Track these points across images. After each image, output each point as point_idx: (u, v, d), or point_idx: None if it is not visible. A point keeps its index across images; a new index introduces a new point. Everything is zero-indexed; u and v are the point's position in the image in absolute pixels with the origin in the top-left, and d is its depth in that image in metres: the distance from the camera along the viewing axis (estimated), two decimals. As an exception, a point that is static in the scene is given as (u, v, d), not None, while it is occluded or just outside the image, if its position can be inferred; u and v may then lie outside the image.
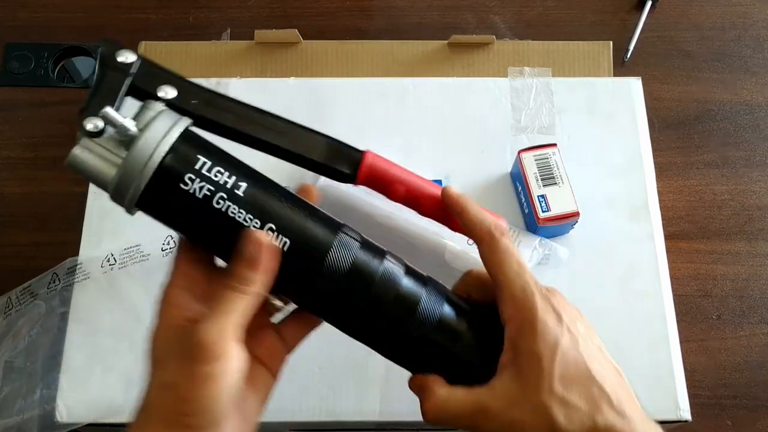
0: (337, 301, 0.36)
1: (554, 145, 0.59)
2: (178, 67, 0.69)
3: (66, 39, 0.77)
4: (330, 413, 0.54)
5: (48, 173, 0.72)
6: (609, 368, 0.37)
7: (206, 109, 0.37)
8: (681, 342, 0.56)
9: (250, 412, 0.36)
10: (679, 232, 0.70)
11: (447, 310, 0.38)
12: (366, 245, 0.37)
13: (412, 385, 0.39)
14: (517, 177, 0.60)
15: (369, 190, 0.59)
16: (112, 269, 0.57)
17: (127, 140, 0.34)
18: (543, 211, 0.56)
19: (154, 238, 0.58)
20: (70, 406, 0.53)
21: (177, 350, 0.32)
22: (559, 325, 0.35)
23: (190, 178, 0.33)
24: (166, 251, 0.57)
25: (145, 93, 0.37)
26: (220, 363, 0.31)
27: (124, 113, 0.35)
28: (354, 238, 0.37)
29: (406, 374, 0.40)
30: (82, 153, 0.34)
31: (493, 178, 0.62)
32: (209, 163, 0.34)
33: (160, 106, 0.35)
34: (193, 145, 0.35)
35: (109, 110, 0.33)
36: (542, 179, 0.58)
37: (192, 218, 0.34)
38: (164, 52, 0.70)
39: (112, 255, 0.57)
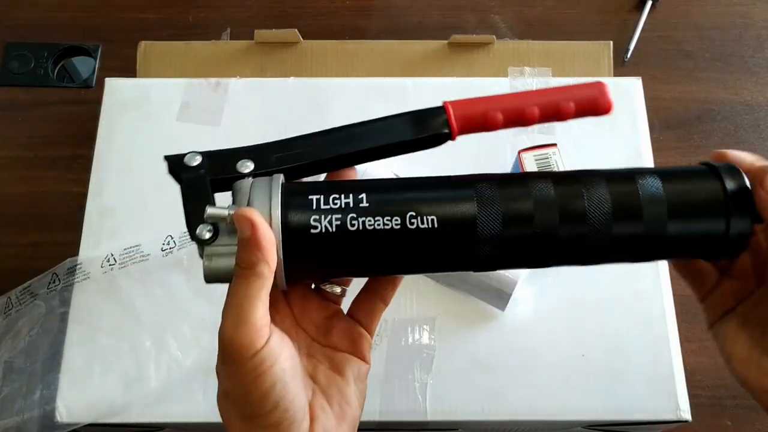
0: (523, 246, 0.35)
1: (554, 145, 0.59)
2: (178, 67, 0.70)
3: (66, 39, 0.78)
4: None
5: (48, 173, 0.72)
6: None
7: (288, 158, 0.37)
8: (681, 342, 0.56)
9: (344, 400, 0.36)
10: (680, 232, 0.70)
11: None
12: (505, 183, 0.35)
13: None
14: (518, 177, 0.60)
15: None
16: (112, 269, 0.57)
17: None
18: (543, 211, 0.56)
19: (154, 239, 0.58)
20: (69, 406, 0.53)
21: (220, 357, 0.33)
22: None
23: (315, 220, 0.33)
24: (166, 251, 0.57)
25: (226, 180, 0.36)
26: (252, 357, 0.31)
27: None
28: (490, 186, 0.35)
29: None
30: (212, 262, 0.33)
31: (493, 178, 0.62)
32: (322, 197, 0.34)
33: (248, 180, 0.35)
34: (298, 191, 0.34)
35: (210, 209, 0.33)
36: (542, 179, 0.58)
37: (344, 253, 0.33)
38: (164, 52, 0.70)
39: (112, 255, 0.57)
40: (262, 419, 0.31)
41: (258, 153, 0.37)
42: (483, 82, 0.66)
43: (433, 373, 0.54)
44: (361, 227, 0.33)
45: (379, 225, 0.33)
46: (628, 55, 0.78)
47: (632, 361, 0.56)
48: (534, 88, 0.65)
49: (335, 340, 0.37)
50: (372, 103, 0.65)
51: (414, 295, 0.57)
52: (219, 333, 0.31)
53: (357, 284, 0.39)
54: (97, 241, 0.59)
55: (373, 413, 0.54)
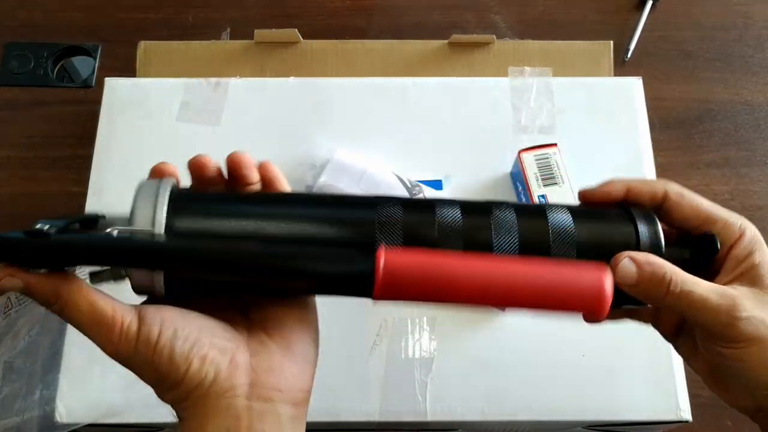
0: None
1: (554, 144, 0.59)
2: (178, 67, 0.70)
3: (66, 39, 0.78)
4: (330, 413, 0.54)
5: (48, 173, 0.72)
6: None
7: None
8: (681, 342, 0.56)
9: (287, 331, 0.34)
10: (680, 232, 0.70)
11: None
12: (410, 206, 0.33)
13: (635, 258, 0.33)
14: (518, 177, 0.60)
15: (368, 189, 0.59)
16: (111, 269, 0.57)
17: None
18: (543, 211, 0.56)
19: (153, 239, 0.58)
20: (69, 406, 0.53)
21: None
22: None
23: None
24: (166, 251, 0.57)
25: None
26: (128, 344, 0.32)
27: None
28: (393, 211, 0.32)
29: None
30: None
31: (494, 178, 0.62)
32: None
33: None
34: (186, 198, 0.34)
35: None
36: (542, 179, 0.58)
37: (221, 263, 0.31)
38: (164, 52, 0.70)
39: (112, 255, 0.57)
40: (184, 385, 0.31)
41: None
42: (483, 82, 0.66)
43: (433, 373, 0.54)
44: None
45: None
46: (629, 55, 0.78)
47: (632, 361, 0.55)
48: (534, 88, 0.65)
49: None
50: (372, 103, 0.65)
51: (414, 295, 0.57)
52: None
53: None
54: (96, 241, 0.59)
55: (373, 413, 0.54)
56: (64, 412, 0.53)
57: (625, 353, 0.56)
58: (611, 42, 0.71)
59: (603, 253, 0.33)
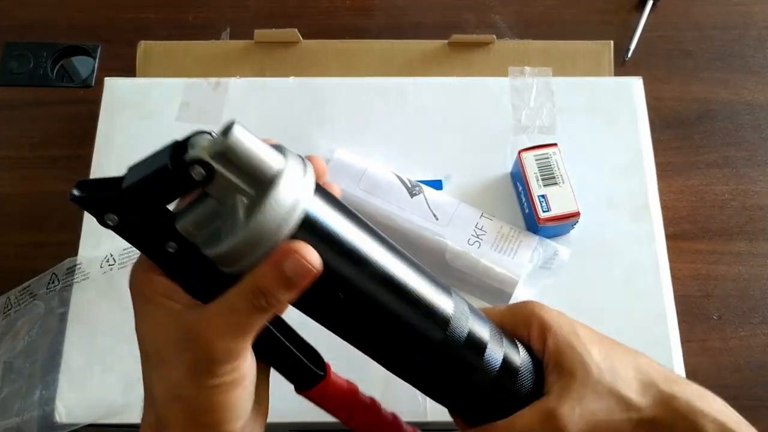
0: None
1: (555, 144, 0.59)
2: (177, 67, 0.69)
3: (65, 39, 0.78)
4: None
5: (48, 173, 0.72)
6: (632, 350, 0.41)
7: None
8: (682, 342, 0.56)
9: (263, 398, 0.35)
10: (680, 233, 0.70)
11: (507, 349, 0.37)
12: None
13: None
14: (518, 177, 0.60)
15: (368, 189, 0.59)
16: (111, 269, 0.57)
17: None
18: (543, 211, 0.56)
19: (153, 239, 0.58)
20: (69, 406, 0.53)
21: (181, 351, 0.30)
22: (585, 328, 0.40)
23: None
24: (166, 251, 0.57)
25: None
26: (236, 375, 0.30)
27: None
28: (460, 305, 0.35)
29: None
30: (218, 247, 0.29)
31: (494, 178, 0.62)
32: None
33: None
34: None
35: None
36: (543, 179, 0.58)
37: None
38: (164, 52, 0.70)
39: (112, 255, 0.57)
40: (216, 427, 0.30)
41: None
42: (483, 82, 0.66)
43: (434, 374, 0.54)
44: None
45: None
46: (629, 55, 0.78)
47: (633, 362, 0.55)
48: (534, 88, 0.65)
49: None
50: (372, 102, 0.65)
51: (414, 296, 0.57)
52: (206, 337, 0.29)
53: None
54: (96, 241, 0.59)
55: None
56: (63, 412, 0.53)
57: (625, 353, 0.56)
58: (611, 42, 0.71)
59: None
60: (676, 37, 0.80)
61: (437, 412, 0.54)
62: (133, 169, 0.31)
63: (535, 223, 0.57)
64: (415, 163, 0.62)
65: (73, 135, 0.73)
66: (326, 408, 0.38)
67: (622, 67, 0.77)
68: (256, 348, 0.32)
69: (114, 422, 0.53)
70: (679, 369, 0.55)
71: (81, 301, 0.56)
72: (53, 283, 0.58)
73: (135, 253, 0.57)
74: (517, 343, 0.39)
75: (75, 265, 0.57)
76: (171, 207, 0.32)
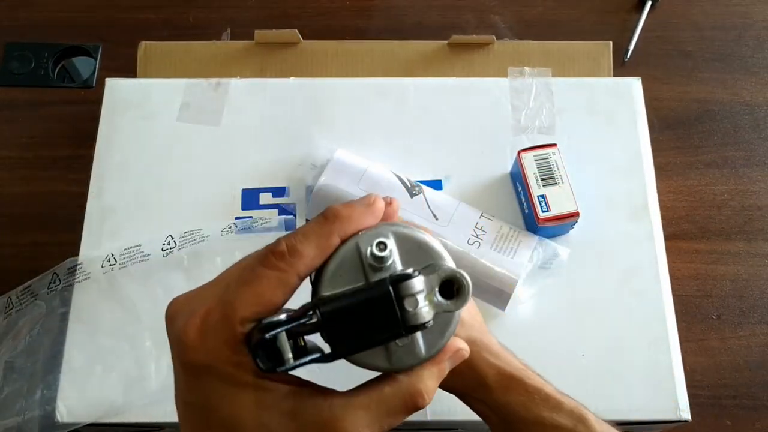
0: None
1: (554, 145, 0.59)
2: (178, 68, 0.70)
3: (66, 39, 0.78)
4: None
5: (48, 173, 0.72)
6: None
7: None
8: (681, 342, 0.56)
9: None
10: (679, 232, 0.70)
11: None
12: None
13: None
14: (517, 177, 0.60)
15: (368, 189, 0.59)
16: (112, 269, 0.57)
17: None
18: (543, 211, 0.56)
19: (154, 239, 0.58)
20: (70, 406, 0.53)
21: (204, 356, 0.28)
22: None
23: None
24: (167, 251, 0.57)
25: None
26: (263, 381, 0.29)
27: None
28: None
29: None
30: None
31: (493, 178, 0.62)
32: None
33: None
34: None
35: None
36: (542, 179, 0.58)
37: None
38: (164, 52, 0.70)
39: (113, 255, 0.57)
40: None
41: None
42: (483, 83, 0.66)
43: (433, 373, 0.54)
44: None
45: None
46: (628, 55, 0.78)
47: (632, 361, 0.56)
48: (534, 88, 0.65)
49: None
50: (372, 103, 0.65)
51: (414, 295, 0.57)
52: (326, 425, 0.28)
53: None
54: (97, 241, 0.59)
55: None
56: (64, 412, 0.53)
57: (624, 353, 0.56)
58: (611, 42, 0.71)
59: None
60: (675, 38, 0.80)
61: (437, 412, 0.54)
62: (334, 309, 0.28)
63: (535, 223, 0.57)
64: (415, 163, 0.62)
65: (73, 135, 0.73)
66: None
67: (622, 67, 0.77)
68: None
69: (114, 422, 0.53)
70: (678, 369, 0.55)
71: (82, 301, 0.56)
72: (54, 282, 0.58)
73: (136, 253, 0.58)
74: None
75: (76, 265, 0.57)
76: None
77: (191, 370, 0.29)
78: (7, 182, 0.71)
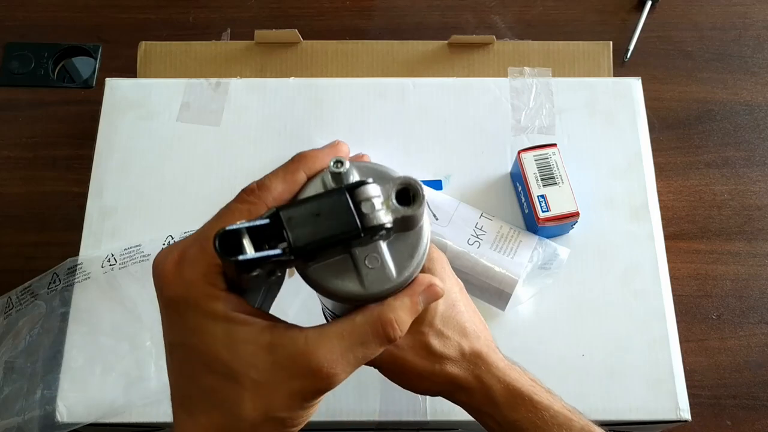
0: None
1: (554, 145, 0.59)
2: (178, 68, 0.70)
3: (66, 39, 0.78)
4: (330, 413, 0.54)
5: (48, 173, 0.72)
6: (474, 312, 0.41)
7: None
8: (681, 342, 0.57)
9: None
10: (679, 232, 0.70)
11: None
12: None
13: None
14: (517, 177, 0.60)
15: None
16: (112, 269, 0.57)
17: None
18: (543, 211, 0.57)
19: (154, 239, 0.58)
20: (70, 406, 0.53)
21: (288, 378, 0.29)
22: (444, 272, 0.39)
23: None
24: (167, 251, 0.57)
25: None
26: (330, 388, 0.30)
27: None
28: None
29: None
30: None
31: (493, 178, 0.62)
32: None
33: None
34: None
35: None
36: (542, 179, 0.58)
37: None
38: (164, 52, 0.70)
39: (113, 255, 0.57)
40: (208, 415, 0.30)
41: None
42: (483, 82, 0.66)
43: (433, 373, 0.54)
44: None
45: None
46: (628, 55, 0.78)
47: (632, 361, 0.56)
48: (534, 88, 0.65)
49: None
50: (372, 103, 0.65)
51: (414, 295, 0.57)
52: (302, 357, 0.29)
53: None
54: (97, 241, 0.59)
55: (373, 413, 0.54)
56: (64, 412, 0.53)
57: (625, 353, 0.56)
58: (610, 42, 0.71)
59: None
60: (675, 38, 0.80)
61: (437, 412, 0.54)
62: (293, 217, 0.29)
63: (535, 223, 0.57)
64: (415, 163, 0.62)
65: (74, 135, 0.73)
66: None
67: (622, 67, 0.77)
68: None
69: (114, 422, 0.53)
70: (678, 368, 0.55)
71: (82, 301, 0.56)
72: (54, 282, 0.58)
73: (136, 253, 0.58)
74: None
75: (76, 265, 0.57)
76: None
77: (172, 306, 0.30)
78: (8, 182, 0.71)
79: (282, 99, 0.65)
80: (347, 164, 0.30)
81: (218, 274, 0.29)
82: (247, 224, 0.28)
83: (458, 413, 0.54)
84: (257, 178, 0.32)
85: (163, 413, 0.53)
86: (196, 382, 0.30)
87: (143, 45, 0.70)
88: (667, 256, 0.59)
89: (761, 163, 0.74)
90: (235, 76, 0.66)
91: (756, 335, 0.67)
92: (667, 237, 0.60)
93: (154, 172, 0.62)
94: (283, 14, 0.81)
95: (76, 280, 0.57)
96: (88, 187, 0.61)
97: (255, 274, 0.28)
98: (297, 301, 0.54)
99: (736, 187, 0.73)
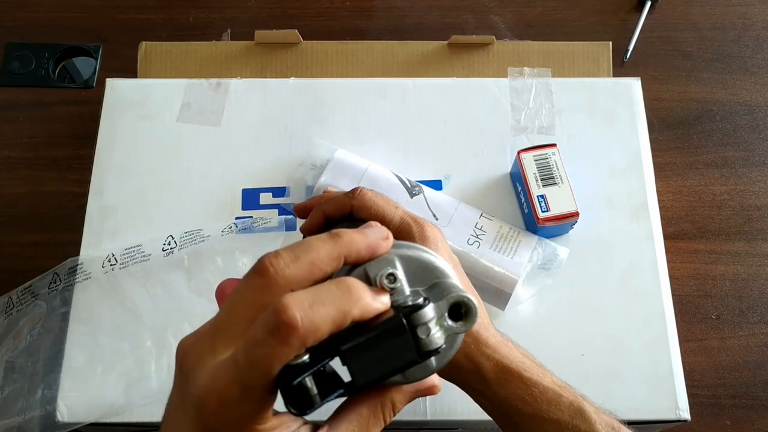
0: None
1: (554, 145, 0.59)
2: (178, 68, 0.70)
3: (67, 39, 0.78)
4: (330, 413, 0.54)
5: (48, 173, 0.72)
6: (468, 290, 0.41)
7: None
8: (680, 342, 0.57)
9: None
10: (679, 232, 0.70)
11: None
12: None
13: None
14: (517, 177, 0.60)
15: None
16: (113, 269, 0.57)
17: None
18: (542, 212, 0.57)
19: (154, 239, 0.58)
20: (71, 406, 0.53)
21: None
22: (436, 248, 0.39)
23: None
24: (167, 251, 0.57)
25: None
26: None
27: None
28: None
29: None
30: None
31: (493, 178, 0.62)
32: None
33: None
34: None
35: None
36: (542, 179, 0.58)
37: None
38: (164, 53, 0.71)
39: (113, 255, 0.58)
40: None
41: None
42: (483, 83, 0.66)
43: (433, 373, 0.54)
44: None
45: None
46: (628, 56, 0.78)
47: (632, 361, 0.56)
48: (533, 89, 0.65)
49: None
50: (372, 103, 0.65)
51: (414, 295, 0.57)
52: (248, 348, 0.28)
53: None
54: (97, 241, 0.59)
55: None
56: (65, 412, 0.53)
57: (624, 353, 0.56)
58: (610, 43, 0.71)
59: None
60: (675, 38, 0.80)
61: (437, 412, 0.54)
62: (353, 355, 0.29)
63: (535, 223, 0.57)
64: (415, 163, 0.63)
65: (74, 135, 0.73)
66: None
67: (621, 67, 0.77)
68: None
69: (115, 422, 0.53)
70: (678, 368, 0.55)
71: (83, 301, 0.57)
72: (55, 282, 0.58)
73: (136, 253, 0.58)
74: None
75: (77, 265, 0.57)
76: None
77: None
78: (8, 182, 0.72)
79: (282, 99, 0.65)
80: (399, 276, 0.30)
81: (263, 411, 0.29)
82: (308, 365, 0.28)
83: (458, 413, 0.54)
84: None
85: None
86: None
87: (143, 45, 0.70)
88: (667, 256, 0.59)
89: (761, 164, 0.74)
90: (236, 77, 0.66)
91: (755, 335, 0.67)
92: (667, 237, 0.60)
93: (155, 172, 0.62)
94: (283, 14, 0.81)
95: (76, 280, 0.57)
96: (88, 187, 0.61)
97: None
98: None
99: (736, 188, 0.73)
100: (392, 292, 0.30)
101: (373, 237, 0.31)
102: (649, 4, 0.80)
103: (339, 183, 0.58)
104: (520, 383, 0.40)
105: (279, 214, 0.60)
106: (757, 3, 0.82)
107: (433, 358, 0.31)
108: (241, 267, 0.57)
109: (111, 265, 0.57)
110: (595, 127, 0.64)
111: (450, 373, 0.41)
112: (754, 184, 0.73)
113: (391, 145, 0.63)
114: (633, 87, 0.66)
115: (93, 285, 0.57)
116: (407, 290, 0.31)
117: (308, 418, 0.32)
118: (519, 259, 0.56)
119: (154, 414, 0.53)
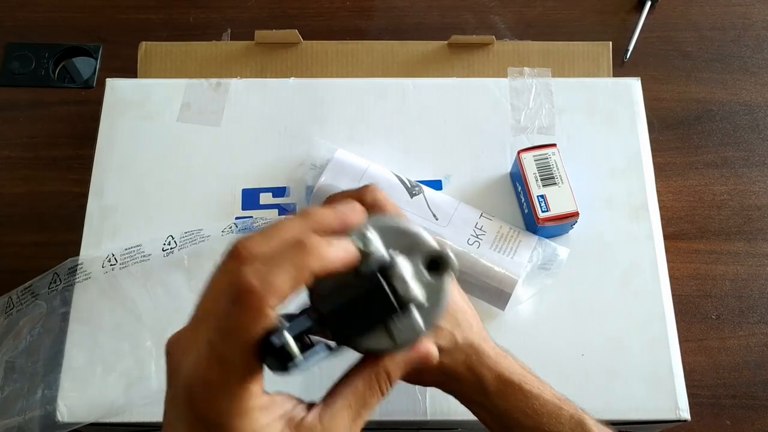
0: None
1: (554, 145, 0.59)
2: (178, 68, 0.70)
3: (67, 39, 0.78)
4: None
5: (48, 173, 0.72)
6: (466, 303, 0.42)
7: None
8: (680, 342, 0.57)
9: None
10: (679, 232, 0.70)
11: None
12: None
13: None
14: (517, 177, 0.60)
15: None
16: (113, 269, 0.57)
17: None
18: (542, 212, 0.57)
19: (154, 239, 0.58)
20: (71, 406, 0.53)
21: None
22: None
23: None
24: (167, 251, 0.57)
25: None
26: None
27: None
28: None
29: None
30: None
31: (493, 178, 0.62)
32: None
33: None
34: None
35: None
36: (542, 179, 0.58)
37: None
38: (164, 53, 0.71)
39: (113, 255, 0.58)
40: None
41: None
42: (483, 83, 0.66)
43: (433, 373, 0.54)
44: None
45: None
46: (628, 56, 0.78)
47: (632, 361, 0.56)
48: (533, 89, 0.66)
49: None
50: (372, 103, 0.65)
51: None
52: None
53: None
54: (97, 241, 0.59)
55: (373, 413, 0.54)
56: (65, 412, 0.53)
57: (624, 353, 0.56)
58: (610, 43, 0.71)
59: None
60: (675, 38, 0.80)
61: (437, 412, 0.54)
62: (332, 312, 0.30)
63: (535, 223, 0.57)
64: (415, 163, 0.63)
65: (74, 135, 0.73)
66: None
67: (621, 67, 0.77)
68: None
69: (115, 422, 0.53)
70: (678, 368, 0.55)
71: (83, 301, 0.57)
72: (55, 282, 0.58)
73: (136, 253, 0.58)
74: None
75: (77, 265, 0.57)
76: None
77: (200, 425, 0.29)
78: (8, 182, 0.72)
79: (282, 99, 0.65)
80: (373, 238, 0.31)
81: (249, 385, 0.28)
82: (290, 332, 0.28)
83: (458, 413, 0.54)
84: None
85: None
86: None
87: (143, 45, 0.70)
88: (667, 256, 0.59)
89: (760, 164, 0.74)
90: (236, 77, 0.66)
91: (755, 335, 0.67)
92: (667, 237, 0.60)
93: (155, 172, 0.62)
94: (283, 14, 0.81)
95: (76, 280, 0.57)
96: (88, 187, 0.61)
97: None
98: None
99: (736, 188, 0.73)
100: (367, 255, 0.30)
101: (343, 210, 0.31)
102: (649, 4, 0.80)
103: (339, 183, 0.58)
104: (521, 396, 0.40)
105: (279, 214, 0.60)
106: (757, 3, 0.82)
107: (419, 318, 0.31)
108: (241, 267, 0.57)
109: (111, 265, 0.57)
110: (595, 127, 0.64)
111: (451, 384, 0.41)
112: (754, 184, 0.73)
113: (391, 145, 0.63)
114: (633, 87, 0.66)
115: (93, 285, 0.57)
116: (384, 253, 0.31)
117: (304, 398, 0.32)
118: (519, 259, 0.56)
119: (154, 414, 0.53)
